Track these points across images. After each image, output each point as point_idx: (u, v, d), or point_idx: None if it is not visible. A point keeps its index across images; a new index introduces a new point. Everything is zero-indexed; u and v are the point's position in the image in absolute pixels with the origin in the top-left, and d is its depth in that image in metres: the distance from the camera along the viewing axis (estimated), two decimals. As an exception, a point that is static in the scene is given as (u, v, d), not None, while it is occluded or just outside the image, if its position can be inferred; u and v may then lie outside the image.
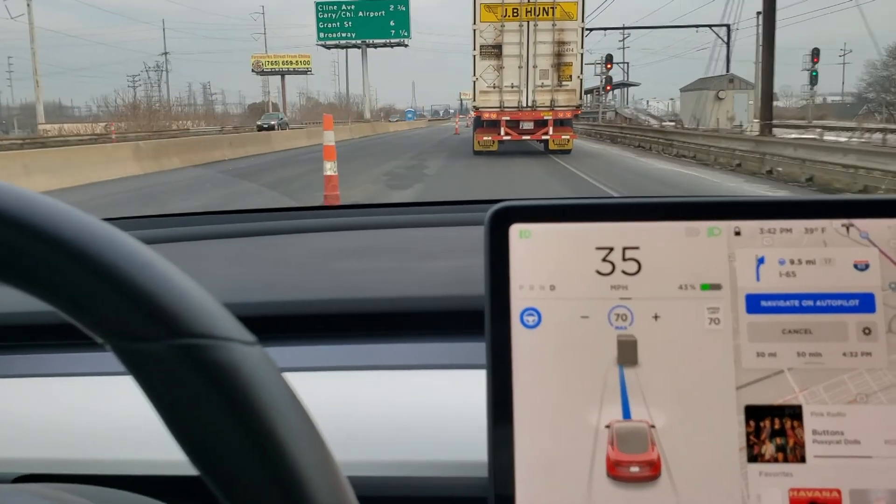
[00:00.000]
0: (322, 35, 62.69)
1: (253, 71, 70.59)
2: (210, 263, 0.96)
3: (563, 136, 18.53)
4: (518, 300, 0.49)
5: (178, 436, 0.29)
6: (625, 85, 62.92)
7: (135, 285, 0.28)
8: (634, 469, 0.47)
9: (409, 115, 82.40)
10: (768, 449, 0.47)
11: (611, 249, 0.49)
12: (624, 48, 68.63)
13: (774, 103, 24.84)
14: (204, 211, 1.16)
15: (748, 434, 0.47)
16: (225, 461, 0.29)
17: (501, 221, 0.49)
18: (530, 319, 0.48)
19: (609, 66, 45.40)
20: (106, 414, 0.65)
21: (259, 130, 37.13)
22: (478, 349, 0.68)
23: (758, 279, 0.49)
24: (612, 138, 30.11)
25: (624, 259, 0.49)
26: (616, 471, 0.47)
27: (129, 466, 0.61)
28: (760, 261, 0.49)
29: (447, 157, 20.09)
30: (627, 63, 70.07)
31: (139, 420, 0.63)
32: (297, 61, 71.33)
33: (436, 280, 0.83)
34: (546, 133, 18.45)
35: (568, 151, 18.55)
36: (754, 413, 0.48)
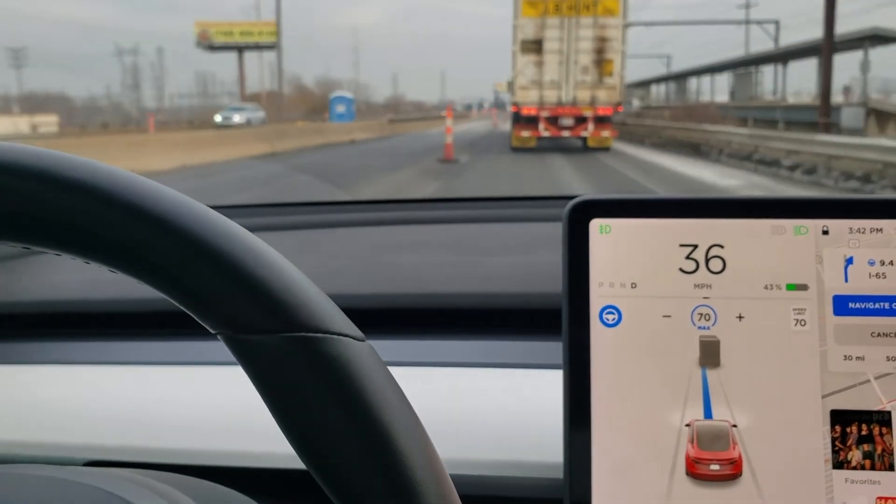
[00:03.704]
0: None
1: (199, 45, 48.67)
2: None
3: (602, 134, 18.36)
4: (597, 298, 0.48)
5: (287, 428, 0.29)
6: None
7: (254, 278, 0.28)
8: (714, 467, 0.46)
9: (338, 113, 33.89)
10: (855, 455, 0.46)
11: (695, 247, 0.47)
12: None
13: None
14: (257, 203, 1.17)
15: (834, 439, 0.46)
16: (333, 454, 0.29)
17: (581, 216, 0.48)
18: (610, 318, 0.48)
19: None
20: (171, 403, 0.65)
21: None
22: (547, 348, 0.68)
23: (846, 280, 0.47)
24: None
25: (708, 257, 0.47)
26: (695, 468, 0.46)
27: (195, 457, 0.61)
28: (849, 261, 0.47)
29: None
30: (777, 23, 36.26)
31: (205, 410, 0.64)
32: (258, 31, 47.58)
33: (502, 276, 0.82)
34: (586, 130, 18.29)
35: (607, 149, 18.39)
36: (840, 418, 0.46)
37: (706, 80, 45.19)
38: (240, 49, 48.71)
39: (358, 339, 0.30)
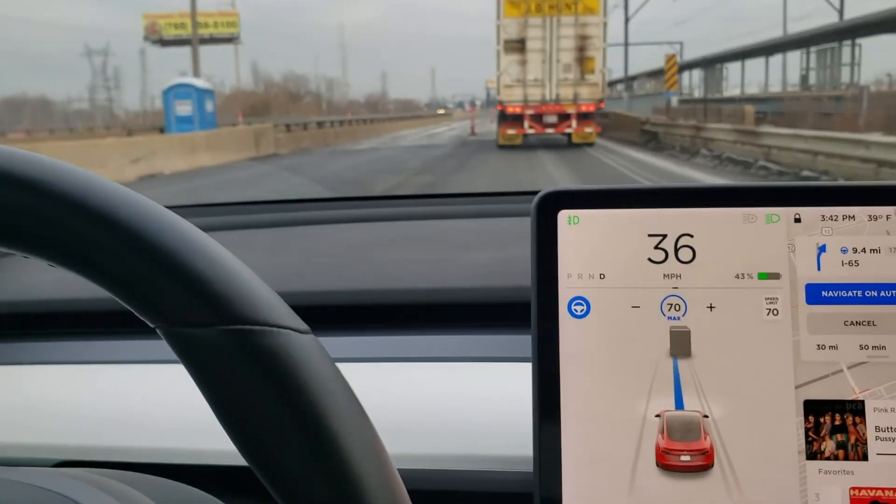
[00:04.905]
0: None
1: (147, 40, 43.26)
2: (245, 253, 0.95)
3: (586, 130, 18.55)
4: (566, 289, 0.47)
5: (226, 423, 0.28)
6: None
7: (191, 270, 0.27)
8: (685, 458, 0.45)
9: (179, 117, 16.63)
10: (828, 446, 0.45)
11: (664, 237, 0.47)
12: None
13: None
14: (237, 201, 1.16)
15: (807, 430, 0.45)
16: (275, 450, 0.28)
17: (549, 207, 0.47)
18: (578, 309, 0.47)
19: None
20: (145, 402, 0.64)
21: None
22: (519, 341, 0.67)
23: (818, 268, 0.46)
24: None
25: (677, 247, 0.47)
26: (666, 459, 0.45)
27: (167, 455, 0.60)
28: (821, 249, 0.46)
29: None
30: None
31: (179, 409, 0.63)
32: (213, 23, 40.93)
33: (476, 271, 0.81)
34: (569, 126, 18.49)
35: (591, 144, 18.55)
36: (814, 408, 0.46)
37: (748, 64, 34.13)
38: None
39: (301, 332, 0.29)
